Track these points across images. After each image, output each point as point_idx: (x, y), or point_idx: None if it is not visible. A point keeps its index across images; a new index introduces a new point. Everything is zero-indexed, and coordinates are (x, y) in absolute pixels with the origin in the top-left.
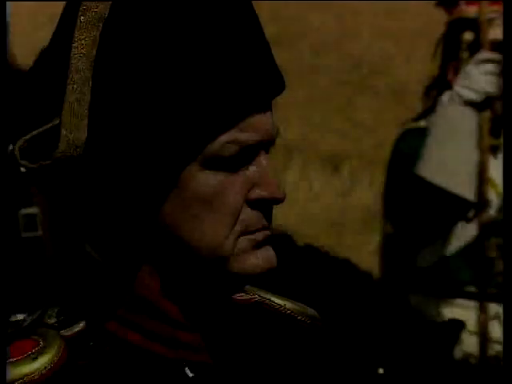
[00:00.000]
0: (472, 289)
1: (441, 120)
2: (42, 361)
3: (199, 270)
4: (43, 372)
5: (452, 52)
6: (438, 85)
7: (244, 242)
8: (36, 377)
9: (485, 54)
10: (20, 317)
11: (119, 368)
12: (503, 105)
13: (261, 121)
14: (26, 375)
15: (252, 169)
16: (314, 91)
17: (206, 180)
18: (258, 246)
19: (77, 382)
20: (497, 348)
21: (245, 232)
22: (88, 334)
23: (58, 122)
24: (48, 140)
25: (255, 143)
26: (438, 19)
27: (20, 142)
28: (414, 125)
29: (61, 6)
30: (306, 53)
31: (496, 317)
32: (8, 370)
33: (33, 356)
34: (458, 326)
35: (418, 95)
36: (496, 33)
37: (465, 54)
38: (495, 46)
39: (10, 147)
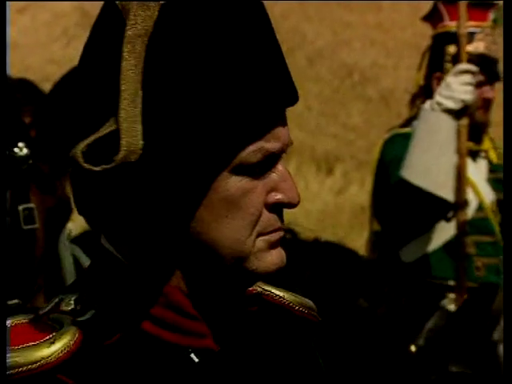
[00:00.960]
0: (452, 283)
1: (423, 127)
2: (59, 345)
3: (219, 266)
4: (60, 355)
5: (437, 63)
6: (424, 94)
7: (261, 242)
8: (53, 359)
9: (463, 66)
10: (15, 301)
11: (130, 352)
12: (503, 105)
13: (282, 131)
14: (44, 358)
15: (271, 175)
16: (310, 98)
17: (233, 184)
18: (273, 246)
19: (91, 364)
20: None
21: (262, 233)
22: (102, 320)
23: (113, 127)
24: (106, 145)
25: (277, 151)
26: (424, 32)
27: (81, 146)
28: (399, 130)
29: (74, 19)
30: (302, 62)
31: None
32: (28, 354)
33: (50, 340)
34: (493, 289)
35: (405, 101)
36: (477, 46)
37: (449, 66)
38: (473, 58)
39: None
